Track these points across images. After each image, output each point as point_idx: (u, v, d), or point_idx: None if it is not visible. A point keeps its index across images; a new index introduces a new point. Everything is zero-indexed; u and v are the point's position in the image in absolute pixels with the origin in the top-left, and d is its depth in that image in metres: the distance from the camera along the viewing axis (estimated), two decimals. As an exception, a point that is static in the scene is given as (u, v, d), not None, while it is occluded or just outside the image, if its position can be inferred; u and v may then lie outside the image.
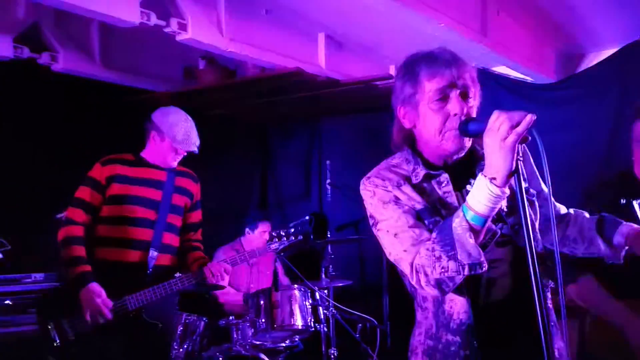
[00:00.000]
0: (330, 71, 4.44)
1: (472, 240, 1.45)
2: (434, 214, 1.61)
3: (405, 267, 1.58)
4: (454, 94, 1.59)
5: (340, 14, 3.86)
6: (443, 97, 1.60)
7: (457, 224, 1.47)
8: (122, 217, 3.11)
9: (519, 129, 1.39)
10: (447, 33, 3.47)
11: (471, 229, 1.46)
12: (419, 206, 1.62)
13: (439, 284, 1.51)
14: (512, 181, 1.65)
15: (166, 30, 3.38)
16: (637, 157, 2.43)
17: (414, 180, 1.66)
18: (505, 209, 1.64)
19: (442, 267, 1.48)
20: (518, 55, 4.24)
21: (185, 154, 3.31)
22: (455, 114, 1.59)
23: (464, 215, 1.47)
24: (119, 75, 4.50)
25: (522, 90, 4.25)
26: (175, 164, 3.30)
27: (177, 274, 3.27)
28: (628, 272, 2.33)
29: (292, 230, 3.57)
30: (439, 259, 1.48)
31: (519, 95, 4.20)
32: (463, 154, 1.67)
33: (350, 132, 5.59)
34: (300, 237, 3.62)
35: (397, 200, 1.63)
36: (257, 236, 4.81)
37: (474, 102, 1.64)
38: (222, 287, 4.39)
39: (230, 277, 4.73)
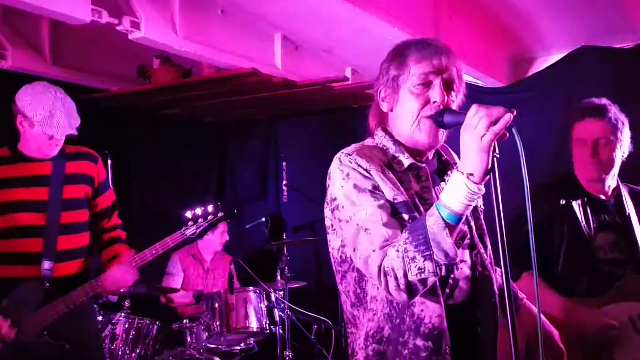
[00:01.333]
0: (287, 72, 4.44)
1: (449, 240, 1.38)
2: (412, 210, 1.54)
3: (372, 268, 1.48)
4: (438, 81, 1.57)
5: (297, 15, 3.86)
6: (426, 83, 1.57)
7: (433, 222, 1.39)
8: (9, 228, 2.61)
9: (497, 128, 1.34)
10: (400, 36, 3.51)
11: (447, 227, 1.38)
12: (400, 198, 1.54)
13: (409, 288, 1.43)
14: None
15: (118, 28, 3.32)
16: (576, 159, 2.50)
17: (397, 168, 1.61)
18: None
19: (419, 269, 1.40)
20: (470, 59, 4.32)
21: (62, 138, 2.69)
22: (435, 102, 1.56)
23: (439, 213, 1.39)
24: (70, 73, 4.39)
25: (474, 93, 4.32)
26: (55, 152, 2.70)
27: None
28: (568, 271, 2.43)
29: (211, 208, 3.04)
30: (413, 259, 1.40)
31: (471, 99, 4.26)
32: (433, 151, 1.66)
33: (307, 133, 5.60)
34: (221, 213, 3.04)
35: (374, 190, 1.53)
36: (217, 237, 4.77)
37: (456, 98, 1.61)
38: (176, 290, 4.36)
39: (185, 283, 4.70)
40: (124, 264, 2.73)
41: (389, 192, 1.53)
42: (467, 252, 1.64)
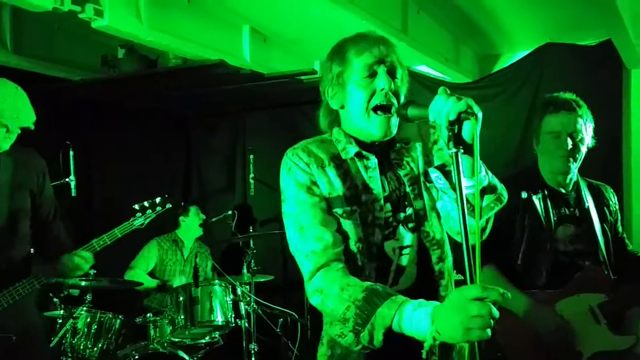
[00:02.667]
0: (255, 64, 4.40)
1: (380, 337, 1.43)
2: (350, 202, 1.61)
3: (304, 269, 1.60)
4: (382, 70, 1.60)
5: (265, 7, 3.84)
6: (371, 74, 1.61)
7: (384, 314, 1.42)
8: None
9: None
10: (368, 29, 3.51)
11: (388, 329, 1.42)
12: (334, 193, 1.62)
13: (324, 314, 1.58)
14: (414, 166, 1.69)
15: (81, 16, 3.24)
16: (544, 151, 2.52)
17: (343, 156, 1.66)
18: (412, 194, 1.68)
19: (342, 333, 1.54)
20: (437, 54, 4.35)
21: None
22: (382, 89, 1.60)
23: (394, 316, 1.40)
24: (32, 62, 4.29)
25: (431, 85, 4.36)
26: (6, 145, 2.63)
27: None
28: (529, 264, 2.47)
29: (158, 199, 3.10)
30: (346, 320, 1.47)
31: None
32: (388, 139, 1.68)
33: (275, 126, 5.56)
34: (169, 204, 3.14)
35: (311, 186, 1.61)
36: (193, 220, 4.86)
37: (401, 85, 1.65)
38: (139, 284, 4.30)
39: (162, 270, 4.68)
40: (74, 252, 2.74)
41: (325, 187, 1.62)
42: (412, 235, 1.67)
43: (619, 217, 2.69)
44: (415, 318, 1.38)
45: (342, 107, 1.69)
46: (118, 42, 4.29)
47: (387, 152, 1.71)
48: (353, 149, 1.66)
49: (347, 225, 1.62)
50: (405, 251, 1.65)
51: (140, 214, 3.06)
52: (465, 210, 1.37)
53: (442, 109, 1.40)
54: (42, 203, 2.77)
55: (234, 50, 4.25)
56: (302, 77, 4.54)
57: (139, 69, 4.37)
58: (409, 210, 1.67)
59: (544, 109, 2.49)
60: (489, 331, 1.28)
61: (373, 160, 1.66)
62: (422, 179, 1.70)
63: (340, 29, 3.59)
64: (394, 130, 1.65)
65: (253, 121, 5.71)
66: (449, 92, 1.41)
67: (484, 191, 1.56)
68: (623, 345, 2.40)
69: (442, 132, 1.44)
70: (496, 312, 1.29)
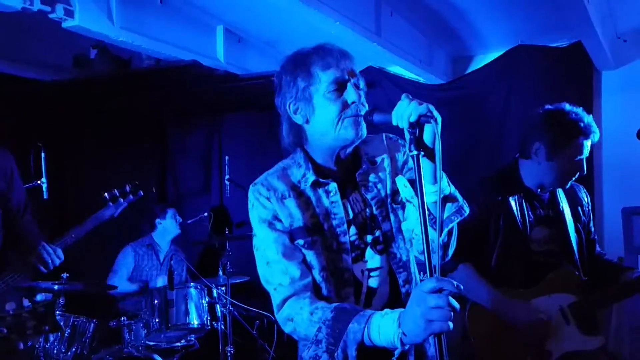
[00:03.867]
0: (229, 65, 4.38)
1: (354, 353, 1.46)
2: (311, 232, 1.63)
3: (275, 301, 1.63)
4: (351, 83, 1.62)
5: (239, 7, 3.82)
6: (339, 87, 1.61)
7: (355, 329, 1.46)
8: None
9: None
10: (342, 31, 3.52)
11: (360, 345, 1.46)
12: (297, 224, 1.63)
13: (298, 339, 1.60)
14: (381, 187, 1.70)
15: (51, 16, 3.20)
16: (550, 171, 2.49)
17: (302, 187, 1.66)
18: (380, 216, 1.69)
19: (316, 355, 1.58)
20: (411, 56, 4.37)
21: None
22: (352, 102, 1.61)
23: (365, 329, 1.45)
24: (1, 63, 4.22)
25: (415, 90, 4.40)
26: None
27: None
28: (503, 263, 2.49)
29: (129, 187, 3.00)
30: (319, 342, 1.51)
31: (411, 95, 4.35)
32: (353, 146, 1.68)
33: (250, 127, 5.54)
34: (141, 192, 3.05)
35: (272, 221, 1.64)
36: (170, 222, 4.81)
37: (363, 93, 1.66)
38: (114, 288, 4.25)
39: (138, 274, 4.63)
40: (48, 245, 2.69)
41: (286, 219, 1.65)
42: (381, 257, 1.68)
43: (592, 217, 2.74)
44: (383, 326, 1.42)
45: (307, 122, 1.67)
46: (90, 42, 4.24)
47: (352, 173, 1.70)
48: (311, 176, 1.66)
49: (310, 255, 1.64)
50: (373, 273, 1.67)
51: (112, 203, 2.95)
52: (426, 211, 1.41)
53: (403, 112, 1.44)
54: (10, 198, 2.72)
55: (208, 51, 4.23)
56: (277, 78, 4.53)
57: (111, 70, 4.32)
58: (377, 233, 1.68)
59: (575, 133, 2.44)
60: (450, 323, 1.32)
61: (332, 185, 1.66)
62: (389, 200, 1.71)
63: (315, 30, 3.62)
64: (364, 132, 1.65)
65: (228, 122, 5.68)
66: (410, 97, 1.46)
67: (445, 200, 1.58)
68: (591, 346, 2.44)
69: (405, 136, 1.47)
70: (455, 304, 1.33)
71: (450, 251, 1.67)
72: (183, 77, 4.30)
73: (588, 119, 2.46)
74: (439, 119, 1.44)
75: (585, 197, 2.71)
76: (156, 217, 4.82)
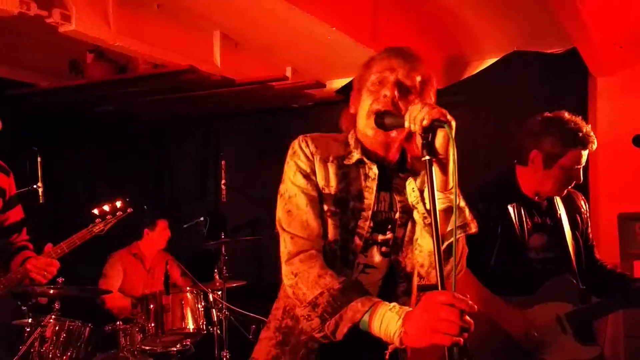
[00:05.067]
0: (226, 70, 4.39)
1: (344, 330, 1.44)
2: (337, 204, 1.62)
3: (282, 247, 1.61)
4: (392, 77, 1.61)
5: (236, 12, 3.82)
6: (381, 80, 1.62)
7: (354, 310, 1.44)
8: None
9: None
10: (339, 36, 3.53)
11: (356, 324, 1.44)
12: (327, 190, 1.63)
13: (295, 298, 1.55)
14: (411, 193, 1.66)
15: (48, 21, 3.20)
16: (547, 179, 2.49)
17: (346, 161, 1.66)
18: (399, 221, 1.68)
19: (309, 315, 1.51)
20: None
21: None
22: (385, 95, 1.60)
23: (365, 312, 1.42)
24: (-2, 67, 4.23)
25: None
26: None
27: None
28: (499, 271, 2.49)
29: (119, 203, 3.00)
30: (317, 305, 1.48)
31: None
32: (390, 151, 1.68)
33: (246, 132, 5.55)
34: (130, 209, 3.04)
35: (310, 174, 1.63)
36: (158, 234, 4.77)
37: (416, 104, 1.55)
38: (109, 292, 4.25)
39: (125, 282, 4.60)
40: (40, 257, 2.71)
41: (321, 181, 1.63)
42: (381, 259, 1.67)
43: (589, 224, 2.74)
44: (387, 318, 1.40)
45: (355, 112, 1.71)
46: (86, 47, 4.24)
47: (393, 174, 1.70)
48: (357, 155, 1.67)
49: (329, 224, 1.62)
50: (367, 270, 1.66)
51: (100, 220, 2.94)
52: (438, 217, 1.39)
53: (417, 115, 1.43)
54: (9, 215, 2.76)
55: (204, 55, 4.23)
56: (274, 83, 4.54)
57: (107, 75, 4.32)
58: (389, 235, 1.67)
59: (569, 143, 2.43)
60: (456, 339, 1.30)
61: (374, 171, 1.66)
62: (415, 211, 1.67)
63: (311, 35, 3.63)
64: (389, 139, 1.64)
65: (225, 127, 5.69)
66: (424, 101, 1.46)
67: (450, 210, 1.53)
68: (587, 356, 2.43)
69: (417, 140, 1.46)
70: (469, 321, 1.31)
71: (459, 267, 1.66)
72: (179, 82, 4.30)
73: (587, 128, 2.45)
74: (454, 124, 1.43)
75: (583, 205, 2.71)
76: (145, 226, 4.78)
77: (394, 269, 1.68)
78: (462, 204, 1.58)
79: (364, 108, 1.65)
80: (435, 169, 1.47)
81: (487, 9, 3.90)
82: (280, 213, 1.65)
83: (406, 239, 1.69)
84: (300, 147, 1.66)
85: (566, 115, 2.48)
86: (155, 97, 4.86)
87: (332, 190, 1.63)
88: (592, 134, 2.46)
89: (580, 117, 2.49)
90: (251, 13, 3.67)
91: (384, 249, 1.67)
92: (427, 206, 1.55)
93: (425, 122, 1.41)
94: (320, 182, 1.63)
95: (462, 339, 1.31)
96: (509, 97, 4.33)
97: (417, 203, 1.59)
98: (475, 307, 1.32)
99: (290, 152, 1.68)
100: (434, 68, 4.90)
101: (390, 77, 1.61)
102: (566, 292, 2.48)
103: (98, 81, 4.33)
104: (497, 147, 4.30)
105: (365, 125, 1.65)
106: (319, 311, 1.48)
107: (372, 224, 1.65)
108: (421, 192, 1.58)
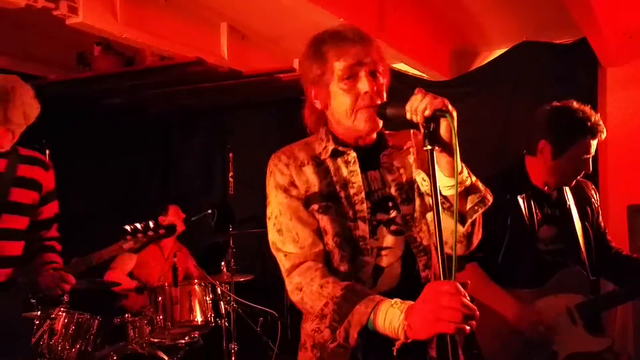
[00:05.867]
0: (233, 62, 4.37)
1: (355, 335, 1.44)
2: (327, 198, 1.62)
3: (282, 269, 1.62)
4: (363, 72, 1.59)
5: (243, 4, 3.81)
6: (352, 76, 1.59)
7: (361, 311, 1.44)
8: None
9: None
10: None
11: (364, 329, 1.44)
12: (313, 189, 1.63)
13: (305, 312, 1.58)
14: (403, 172, 1.68)
15: (55, 13, 3.19)
16: (556, 169, 2.48)
17: (322, 157, 1.67)
18: (399, 198, 1.67)
19: (318, 328, 1.54)
20: (415, 52, 4.36)
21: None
22: (365, 92, 1.59)
23: (370, 313, 1.43)
24: (5, 60, 4.23)
25: (419, 86, 4.38)
26: (8, 145, 2.59)
27: None
28: (509, 262, 2.48)
29: (152, 224, 2.88)
30: (324, 316, 1.49)
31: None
32: (375, 133, 1.69)
33: (254, 124, 5.55)
34: (163, 230, 2.93)
35: (289, 187, 1.63)
36: (172, 218, 4.75)
37: (383, 80, 1.63)
38: (118, 284, 4.26)
39: (141, 269, 4.62)
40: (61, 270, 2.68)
41: (303, 185, 1.64)
42: (393, 238, 1.66)
43: (600, 212, 2.72)
44: (390, 314, 1.40)
45: (326, 108, 1.68)
46: (93, 39, 4.24)
47: (377, 153, 1.70)
48: (330, 146, 1.67)
49: (324, 220, 1.62)
50: (383, 252, 1.64)
51: (131, 237, 2.85)
52: (440, 209, 1.38)
53: (418, 106, 1.42)
54: (40, 212, 2.72)
55: (211, 47, 4.22)
56: (281, 75, 4.53)
57: (115, 67, 4.32)
58: (393, 213, 1.66)
59: (579, 133, 2.41)
60: (460, 328, 1.29)
61: (352, 155, 1.66)
62: (416, 184, 1.68)
63: (318, 26, 3.61)
64: (380, 125, 1.64)
65: (232, 119, 5.69)
66: (425, 91, 1.44)
67: (467, 192, 1.56)
68: (598, 347, 2.42)
69: (421, 130, 1.45)
70: (472, 307, 1.30)
71: (476, 240, 1.66)
72: (187, 74, 4.30)
73: (595, 117, 2.43)
74: (455, 114, 1.42)
75: (594, 194, 2.69)
76: (158, 214, 4.82)
77: (410, 245, 1.66)
78: (474, 179, 1.58)
79: (342, 107, 1.62)
80: (443, 157, 1.48)
81: (496, -1, 3.87)
82: (271, 235, 1.66)
83: (416, 214, 1.67)
84: (275, 164, 1.67)
85: (574, 104, 2.45)
86: (162, 90, 4.87)
87: (317, 188, 1.63)
88: (600, 122, 2.43)
89: (589, 106, 2.47)
90: (258, 4, 3.66)
91: (393, 227, 1.66)
92: (444, 192, 1.56)
93: (427, 113, 1.41)
94: (302, 188, 1.64)
95: (467, 327, 1.30)
96: (518, 87, 4.30)
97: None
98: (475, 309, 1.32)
99: (267, 173, 1.69)
100: (441, 59, 4.90)
101: (361, 72, 1.59)
102: (576, 283, 2.47)
103: (105, 73, 4.33)
104: (506, 138, 4.28)
105: (348, 122, 1.62)
106: (327, 322, 1.49)
107: (369, 204, 1.65)
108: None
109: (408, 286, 1.62)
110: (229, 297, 4.21)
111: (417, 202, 1.68)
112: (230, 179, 5.19)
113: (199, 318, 3.91)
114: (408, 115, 1.46)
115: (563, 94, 2.63)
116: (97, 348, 3.65)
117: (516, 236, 2.45)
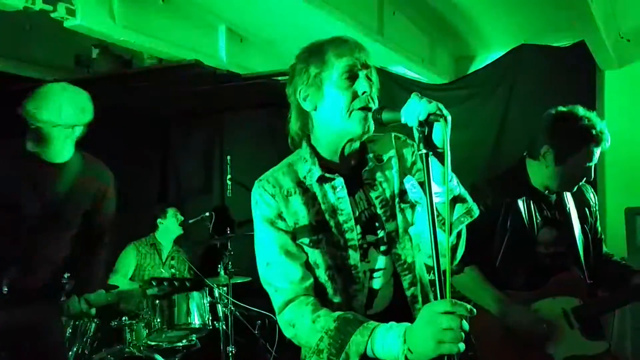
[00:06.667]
0: (231, 64, 4.37)
1: None
2: (316, 231, 1.60)
3: (273, 304, 1.61)
4: (363, 74, 1.60)
5: (241, 6, 3.81)
6: (351, 76, 1.59)
7: (357, 341, 1.44)
8: None
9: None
10: (345, 30, 3.51)
11: (363, 357, 1.44)
12: (302, 222, 1.60)
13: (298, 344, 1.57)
14: (387, 187, 1.67)
15: (53, 15, 3.18)
16: (557, 174, 2.47)
17: (307, 182, 1.64)
18: (384, 216, 1.66)
19: None
20: (413, 55, 4.36)
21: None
22: (363, 92, 1.58)
23: (368, 342, 1.43)
24: (3, 62, 4.22)
25: (417, 89, 4.38)
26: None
27: None
28: (507, 265, 2.48)
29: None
30: (320, 351, 1.48)
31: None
32: (359, 142, 1.66)
33: (252, 127, 5.54)
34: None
35: (275, 220, 1.61)
36: (171, 221, 4.84)
37: (376, 90, 1.64)
38: (116, 287, 4.24)
39: (140, 273, 4.63)
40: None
41: (291, 218, 1.61)
42: (384, 258, 1.65)
43: (598, 217, 2.71)
44: (387, 340, 1.40)
45: (315, 109, 1.66)
46: (92, 42, 4.23)
47: (358, 171, 1.68)
48: (317, 171, 1.64)
49: (315, 254, 1.60)
50: (376, 274, 1.64)
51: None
52: (436, 216, 1.38)
53: (413, 110, 1.43)
54: (93, 221, 2.70)
55: (210, 50, 4.21)
56: (279, 78, 4.52)
57: (113, 69, 4.31)
58: (381, 233, 1.65)
59: (584, 140, 2.41)
60: (461, 345, 1.31)
61: (339, 180, 1.64)
62: (397, 200, 1.68)
63: (317, 29, 3.60)
64: (372, 128, 1.62)
65: (230, 122, 5.68)
66: (420, 95, 1.44)
67: (455, 201, 1.56)
68: (594, 351, 2.42)
69: (414, 135, 1.45)
70: (466, 326, 1.32)
71: (459, 254, 1.64)
72: (185, 76, 4.29)
73: (601, 125, 2.41)
74: (449, 118, 1.42)
75: (592, 198, 2.69)
76: (157, 217, 4.83)
77: (395, 263, 1.66)
78: (462, 190, 1.58)
79: (337, 105, 1.60)
80: (435, 162, 1.48)
81: (495, 1, 3.87)
82: (261, 268, 1.64)
83: (400, 230, 1.67)
84: (260, 194, 1.64)
85: (580, 110, 2.43)
86: (160, 92, 4.85)
87: (306, 220, 1.61)
88: (605, 131, 2.42)
89: (594, 112, 2.45)
90: (256, 7, 3.66)
91: (382, 247, 1.65)
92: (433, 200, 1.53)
93: (421, 117, 1.41)
94: (290, 220, 1.61)
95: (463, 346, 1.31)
96: (516, 90, 4.30)
97: (422, 199, 1.58)
98: (474, 310, 1.33)
99: (253, 202, 1.66)
100: (440, 61, 4.91)
101: (361, 73, 1.60)
102: (573, 286, 2.47)
103: (103, 76, 4.32)
104: (503, 141, 4.28)
105: (342, 122, 1.60)
106: (324, 357, 1.48)
107: (360, 230, 1.63)
108: (422, 185, 1.55)
109: (399, 306, 1.63)
110: (226, 300, 4.20)
111: (399, 217, 1.68)
112: (228, 182, 5.17)
113: (196, 321, 3.90)
114: (403, 120, 1.47)
115: (561, 97, 2.63)
116: (94, 351, 3.65)
117: (516, 239, 2.45)
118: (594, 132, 2.39)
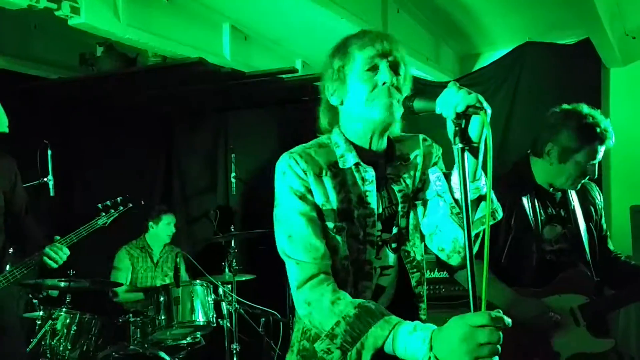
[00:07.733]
0: (235, 63, 4.37)
1: (369, 358, 1.37)
2: (341, 218, 1.56)
3: (290, 275, 1.54)
4: (384, 64, 1.56)
5: (245, 4, 3.81)
6: (372, 67, 1.56)
7: (376, 335, 1.36)
8: None
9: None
10: (349, 28, 3.51)
11: (378, 351, 1.37)
12: (329, 206, 1.56)
13: (310, 324, 1.50)
14: (410, 183, 1.65)
15: (57, 13, 3.19)
16: (561, 172, 2.46)
17: (341, 165, 1.60)
18: (402, 212, 1.64)
19: (329, 349, 1.41)
20: (418, 53, 4.36)
21: None
22: (384, 83, 1.55)
23: (387, 336, 1.36)
24: (8, 61, 4.23)
25: (422, 87, 4.39)
26: None
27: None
28: (512, 262, 2.47)
29: (120, 199, 3.44)
30: (334, 336, 1.40)
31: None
32: (385, 134, 1.63)
33: (256, 125, 5.55)
34: (130, 204, 3.47)
35: (305, 194, 1.55)
36: (162, 229, 4.77)
37: (404, 82, 1.59)
38: (120, 285, 4.27)
39: (134, 276, 4.63)
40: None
41: (320, 197, 1.56)
42: (394, 256, 1.64)
43: (603, 214, 2.70)
44: (411, 343, 1.33)
45: (342, 103, 1.64)
46: (96, 40, 4.24)
47: (384, 168, 1.65)
48: (352, 158, 1.60)
49: (335, 240, 1.56)
50: (386, 272, 1.62)
51: (104, 213, 3.35)
52: (470, 215, 1.32)
53: (450, 100, 1.35)
54: (13, 199, 2.93)
55: (214, 48, 4.21)
56: (283, 76, 4.52)
57: (117, 68, 4.32)
58: (394, 230, 1.63)
59: (588, 138, 2.39)
60: (496, 358, 1.25)
61: (370, 173, 1.60)
62: (411, 196, 1.65)
63: (321, 27, 3.61)
64: (397, 115, 1.56)
65: (234, 120, 5.69)
66: (458, 85, 1.37)
67: (480, 200, 1.50)
68: (601, 348, 2.41)
69: (448, 127, 1.39)
70: (501, 338, 1.27)
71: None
72: (189, 74, 4.29)
73: (605, 123, 2.39)
74: (489, 111, 1.33)
75: (597, 196, 2.68)
76: (149, 219, 4.79)
77: (404, 260, 1.63)
78: (489, 190, 1.52)
79: (358, 98, 1.57)
80: (469, 159, 1.41)
81: (499, -1, 3.87)
82: (280, 240, 1.57)
83: (411, 227, 1.65)
84: (290, 166, 1.57)
85: (585, 108, 2.42)
86: (165, 90, 4.86)
87: (334, 204, 1.56)
88: (610, 129, 2.40)
89: (598, 110, 2.44)
90: (261, 5, 3.66)
91: (393, 244, 1.63)
92: (456, 195, 1.51)
93: (459, 108, 1.33)
94: (320, 200, 1.56)
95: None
96: (521, 88, 4.29)
97: (444, 192, 1.53)
98: (510, 320, 1.28)
99: (279, 173, 1.59)
100: (445, 59, 4.90)
101: (382, 63, 1.56)
102: (580, 284, 2.46)
103: (108, 74, 4.33)
104: (508, 138, 4.27)
105: (363, 111, 1.57)
106: (338, 342, 1.40)
107: (380, 227, 1.61)
108: (447, 177, 1.52)
109: (403, 304, 1.60)
110: (230, 298, 4.21)
111: (411, 214, 1.65)
112: (233, 180, 5.18)
113: (200, 318, 3.91)
114: (438, 110, 1.39)
115: (566, 95, 2.62)
116: (98, 348, 3.66)
117: (520, 236, 2.44)
118: (598, 129, 2.38)
